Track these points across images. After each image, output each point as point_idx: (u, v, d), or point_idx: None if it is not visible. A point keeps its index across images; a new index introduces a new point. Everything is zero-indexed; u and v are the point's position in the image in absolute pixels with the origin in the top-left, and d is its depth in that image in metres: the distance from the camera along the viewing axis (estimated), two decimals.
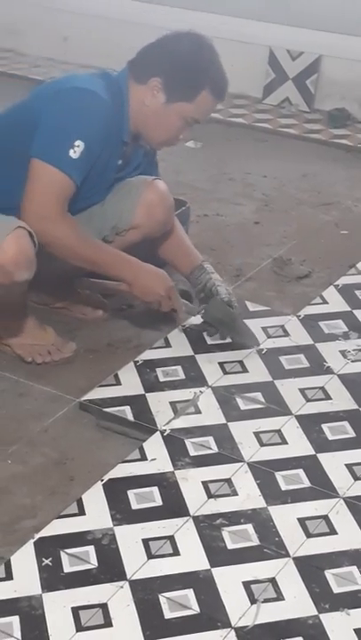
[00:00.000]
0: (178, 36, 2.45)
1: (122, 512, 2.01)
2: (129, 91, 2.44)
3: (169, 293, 2.52)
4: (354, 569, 1.89)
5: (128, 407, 2.34)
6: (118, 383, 2.45)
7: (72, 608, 1.77)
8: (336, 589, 1.84)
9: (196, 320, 2.69)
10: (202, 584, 1.84)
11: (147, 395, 2.40)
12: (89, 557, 1.89)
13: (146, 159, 2.67)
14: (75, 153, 2.32)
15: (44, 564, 1.86)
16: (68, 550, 1.90)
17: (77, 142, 2.32)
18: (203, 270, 2.67)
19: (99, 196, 2.56)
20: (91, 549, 1.90)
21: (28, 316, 2.58)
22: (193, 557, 1.90)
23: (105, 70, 2.50)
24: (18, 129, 2.40)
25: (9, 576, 1.84)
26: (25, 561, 1.87)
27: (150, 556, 1.90)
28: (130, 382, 2.45)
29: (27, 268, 2.29)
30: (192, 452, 2.20)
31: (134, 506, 2.03)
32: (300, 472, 2.15)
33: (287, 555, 1.92)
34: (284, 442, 2.25)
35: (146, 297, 2.51)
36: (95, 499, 2.04)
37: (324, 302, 2.91)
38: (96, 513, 2.00)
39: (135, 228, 2.58)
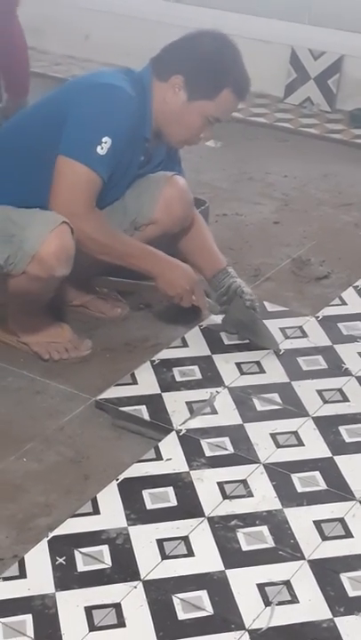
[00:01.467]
0: (201, 35, 2.45)
1: (136, 512, 2.00)
2: (152, 87, 2.44)
3: (193, 289, 2.51)
4: None
5: (144, 406, 2.34)
6: (135, 382, 2.44)
7: (85, 607, 1.76)
8: (351, 593, 1.83)
9: (216, 320, 2.68)
10: (216, 585, 1.83)
11: (163, 394, 2.39)
12: (103, 557, 1.88)
13: (168, 156, 2.66)
14: (102, 149, 2.32)
15: (57, 562, 1.86)
16: (82, 549, 1.89)
17: (105, 139, 2.32)
18: (227, 274, 2.66)
19: (121, 191, 2.56)
20: (105, 549, 1.90)
21: (45, 313, 2.59)
22: (207, 558, 1.89)
23: (128, 68, 2.50)
24: (45, 125, 2.41)
25: (23, 574, 1.83)
26: (39, 559, 1.87)
27: (164, 556, 1.89)
28: (146, 381, 2.44)
29: (66, 264, 2.34)
30: (208, 453, 2.19)
31: (149, 506, 2.02)
32: (317, 474, 2.14)
33: (302, 557, 1.90)
34: (300, 443, 2.24)
35: (170, 290, 2.50)
36: (110, 498, 2.04)
37: (343, 303, 2.89)
38: (111, 512, 2.00)
39: (154, 223, 2.58)
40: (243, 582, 1.84)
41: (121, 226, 2.54)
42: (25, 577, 1.83)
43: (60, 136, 2.34)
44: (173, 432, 2.25)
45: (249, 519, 2.00)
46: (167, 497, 2.05)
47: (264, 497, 2.06)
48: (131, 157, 2.47)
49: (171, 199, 2.58)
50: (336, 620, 1.77)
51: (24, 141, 2.45)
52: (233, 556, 1.90)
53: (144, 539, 1.93)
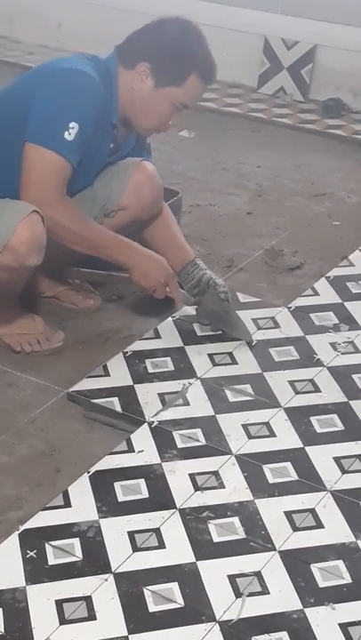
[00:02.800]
0: (165, 22, 2.45)
1: (108, 504, 2.00)
2: (118, 75, 2.44)
3: (168, 281, 2.51)
4: (340, 563, 1.88)
5: (116, 398, 2.33)
6: (107, 374, 2.43)
7: (56, 601, 1.76)
8: (322, 583, 1.84)
9: (188, 312, 2.67)
10: (187, 577, 1.83)
11: (135, 386, 2.39)
12: (74, 550, 1.88)
13: (137, 144, 2.66)
14: (70, 135, 2.31)
15: (28, 556, 1.86)
16: (53, 542, 1.89)
17: (72, 124, 2.31)
18: (195, 266, 2.65)
19: (90, 179, 2.55)
20: (76, 542, 1.90)
21: (17, 305, 2.57)
22: (178, 550, 1.89)
23: (94, 55, 2.49)
24: (10, 113, 2.39)
25: None
26: (9, 553, 1.86)
27: (136, 548, 1.89)
28: (118, 373, 2.44)
29: (38, 253, 2.31)
30: (180, 444, 2.19)
31: (120, 498, 2.02)
32: (288, 465, 2.14)
33: (273, 548, 1.91)
34: (272, 434, 2.24)
35: (144, 282, 2.49)
36: (81, 491, 2.03)
37: (316, 294, 2.90)
38: (82, 505, 1.99)
39: (124, 209, 2.58)
40: (214, 574, 1.84)
41: (90, 213, 2.53)
42: None
43: (26, 123, 2.32)
44: (145, 424, 2.25)
45: (220, 510, 2.00)
46: (139, 489, 2.05)
47: (235, 488, 2.07)
48: (99, 144, 2.46)
49: (140, 184, 2.57)
50: (306, 610, 1.77)
51: None
52: (204, 548, 1.90)
53: (115, 531, 1.93)
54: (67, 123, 2.31)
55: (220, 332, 2.62)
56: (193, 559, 1.87)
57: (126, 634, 1.70)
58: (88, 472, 2.08)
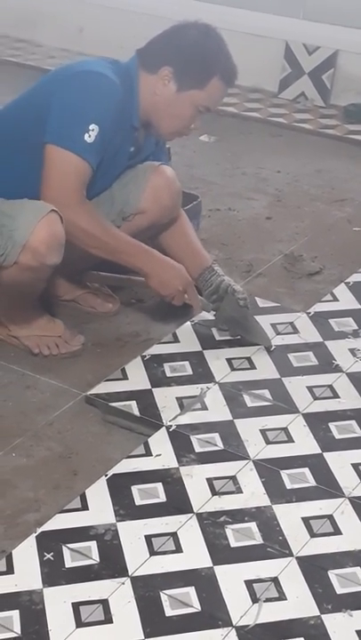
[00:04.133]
0: (185, 26, 2.46)
1: (125, 507, 2.00)
2: (139, 79, 2.44)
3: (186, 288, 2.51)
4: (358, 570, 1.87)
5: (134, 402, 2.33)
6: (125, 378, 2.44)
7: (72, 603, 1.76)
8: (339, 590, 1.83)
9: (207, 316, 2.67)
10: (204, 582, 1.83)
11: (153, 390, 2.39)
12: (91, 553, 1.88)
13: (156, 148, 2.67)
14: (90, 137, 2.32)
15: (45, 558, 1.86)
16: (70, 545, 1.89)
17: (92, 126, 2.32)
18: (213, 272, 2.65)
19: (109, 182, 2.56)
20: (93, 545, 1.90)
21: (37, 307, 2.58)
22: (195, 555, 1.89)
23: (114, 59, 2.49)
24: (30, 115, 2.40)
25: (10, 570, 1.83)
26: (26, 555, 1.87)
27: (153, 552, 1.89)
28: (137, 377, 2.44)
29: (57, 252, 2.32)
30: (197, 449, 2.19)
31: (138, 502, 2.02)
32: (306, 471, 2.14)
33: (291, 554, 1.90)
34: (290, 440, 2.24)
35: (162, 290, 2.50)
36: (99, 494, 2.03)
37: (335, 300, 2.89)
38: (99, 508, 1.99)
39: (142, 212, 2.58)
40: (231, 579, 1.84)
41: (108, 216, 2.53)
42: (12, 572, 1.82)
43: (46, 125, 2.33)
44: (163, 428, 2.25)
45: (238, 515, 1.99)
46: (156, 493, 2.05)
47: (253, 493, 2.06)
48: (119, 146, 2.47)
49: (158, 188, 2.57)
50: (323, 617, 1.77)
51: (9, 132, 2.45)
52: (221, 553, 1.90)
53: (132, 535, 1.93)
54: (87, 125, 2.32)
55: (239, 337, 2.62)
56: (210, 564, 1.87)
57: (142, 637, 1.70)
58: (106, 475, 2.09)
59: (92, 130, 2.32)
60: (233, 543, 1.92)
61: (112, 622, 1.73)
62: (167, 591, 1.80)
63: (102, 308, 2.77)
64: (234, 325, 2.62)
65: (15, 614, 1.73)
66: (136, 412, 2.30)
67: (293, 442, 2.23)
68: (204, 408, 2.33)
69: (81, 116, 2.34)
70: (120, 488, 2.05)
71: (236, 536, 1.94)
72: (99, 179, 2.46)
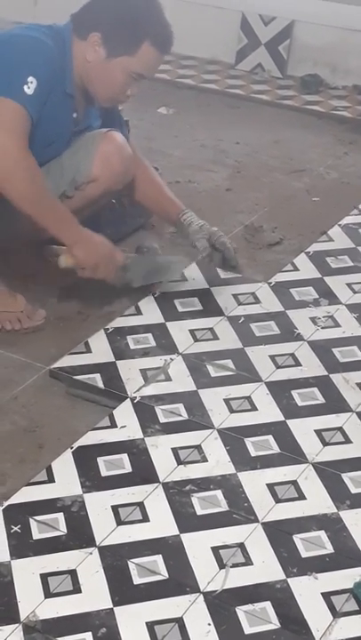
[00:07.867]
0: None
1: (91, 479, 2.01)
2: (72, 44, 2.44)
3: (105, 262, 2.48)
4: (322, 533, 1.90)
5: (98, 375, 2.34)
6: (89, 351, 2.44)
7: (41, 574, 1.77)
8: (304, 554, 1.86)
9: (170, 288, 2.68)
10: (171, 550, 1.85)
11: (117, 362, 2.40)
12: (58, 524, 1.89)
13: (109, 118, 2.67)
14: (29, 89, 2.31)
15: (12, 530, 1.86)
16: (38, 517, 1.90)
17: (30, 78, 2.31)
18: (185, 212, 2.70)
19: (58, 151, 2.54)
20: (60, 516, 1.91)
21: None
22: (162, 523, 1.91)
23: (51, 24, 2.48)
24: None
25: None
26: None
27: (120, 522, 1.90)
28: (100, 350, 2.44)
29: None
30: (162, 419, 2.20)
31: (104, 473, 2.03)
32: (270, 438, 2.16)
33: (256, 520, 1.93)
34: (253, 408, 2.26)
35: (83, 261, 2.46)
36: (65, 466, 2.04)
37: (295, 269, 2.91)
38: (65, 480, 2.00)
39: (94, 180, 2.56)
40: (197, 546, 1.86)
41: (59, 186, 2.52)
42: None
43: None
44: (128, 399, 2.26)
45: (203, 484, 2.01)
46: (122, 464, 2.06)
47: (218, 462, 2.08)
48: (58, 112, 2.44)
49: (108, 154, 2.56)
50: (289, 580, 1.79)
51: None
52: (188, 521, 1.92)
53: (99, 505, 1.94)
54: (25, 77, 2.31)
55: (202, 308, 2.63)
56: (177, 532, 1.89)
57: (111, 606, 1.72)
58: (71, 448, 2.09)
59: (31, 82, 2.31)
60: (199, 511, 1.94)
61: (81, 592, 1.74)
62: (135, 560, 1.81)
63: (62, 281, 2.71)
64: (150, 277, 2.67)
65: None
66: (100, 384, 2.31)
67: (257, 410, 2.25)
68: (168, 379, 2.34)
69: (19, 69, 2.32)
70: (86, 460, 2.06)
71: (202, 504, 1.96)
72: (46, 147, 2.44)
